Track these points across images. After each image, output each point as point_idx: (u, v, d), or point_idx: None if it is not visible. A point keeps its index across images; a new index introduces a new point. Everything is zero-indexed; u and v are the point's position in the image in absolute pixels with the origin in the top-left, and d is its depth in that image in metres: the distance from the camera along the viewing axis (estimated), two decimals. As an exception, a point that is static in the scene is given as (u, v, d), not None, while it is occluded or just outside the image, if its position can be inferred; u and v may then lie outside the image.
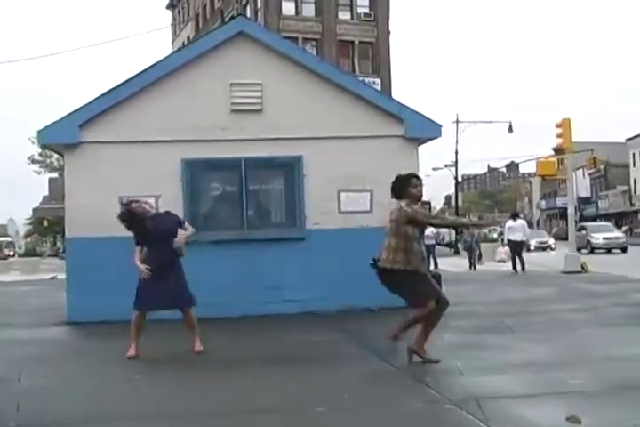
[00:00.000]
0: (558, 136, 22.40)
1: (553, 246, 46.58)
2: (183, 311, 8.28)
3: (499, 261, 26.33)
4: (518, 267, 21.85)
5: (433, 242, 27.28)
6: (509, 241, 22.78)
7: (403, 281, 7.38)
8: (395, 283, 7.44)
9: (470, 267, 26.63)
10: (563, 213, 74.52)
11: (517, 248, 22.47)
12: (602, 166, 71.93)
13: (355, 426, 5.38)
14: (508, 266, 23.01)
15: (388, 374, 7.14)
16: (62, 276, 21.08)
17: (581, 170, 70.81)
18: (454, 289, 14.26)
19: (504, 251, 24.38)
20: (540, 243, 46.64)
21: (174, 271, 8.19)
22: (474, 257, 27.42)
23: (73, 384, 7.10)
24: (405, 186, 7.56)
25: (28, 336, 10.43)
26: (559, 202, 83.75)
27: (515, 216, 23.88)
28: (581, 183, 77.20)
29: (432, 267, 25.14)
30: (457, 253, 40.73)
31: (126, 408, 6.06)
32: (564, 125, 22.01)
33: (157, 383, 7.06)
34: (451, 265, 26.52)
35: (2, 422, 5.64)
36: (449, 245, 49.21)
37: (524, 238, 23.00)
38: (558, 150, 25.64)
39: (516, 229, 22.49)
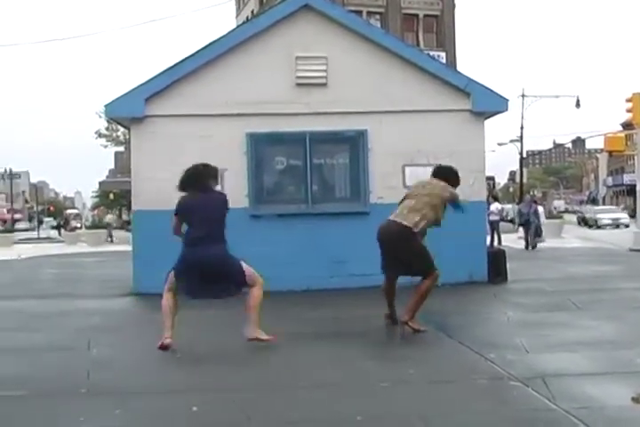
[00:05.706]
0: (628, 111, 21.94)
1: None
2: None
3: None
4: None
5: (497, 218, 26.94)
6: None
7: None
8: None
9: (527, 247, 23.06)
10: (630, 190, 72.86)
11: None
12: (672, 142, 70.07)
13: (419, 402, 5.36)
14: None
15: (452, 350, 7.10)
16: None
17: (651, 146, 69.16)
18: (516, 265, 14.12)
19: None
20: None
21: None
22: (531, 233, 23.47)
23: (139, 354, 7.23)
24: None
25: (95, 306, 10.63)
26: (627, 179, 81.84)
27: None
28: (650, 159, 75.34)
29: (496, 243, 24.97)
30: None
31: (188, 379, 6.15)
32: (635, 100, 21.51)
33: (218, 355, 7.11)
34: (514, 241, 26.16)
35: (74, 388, 5.78)
36: (512, 221, 48.57)
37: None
38: (627, 126, 25.27)
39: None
